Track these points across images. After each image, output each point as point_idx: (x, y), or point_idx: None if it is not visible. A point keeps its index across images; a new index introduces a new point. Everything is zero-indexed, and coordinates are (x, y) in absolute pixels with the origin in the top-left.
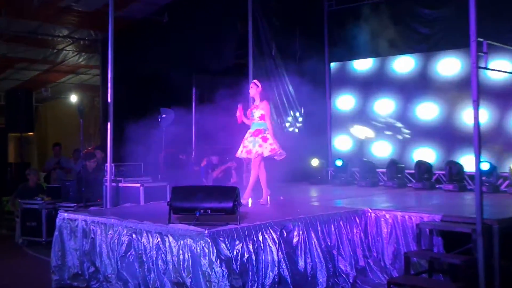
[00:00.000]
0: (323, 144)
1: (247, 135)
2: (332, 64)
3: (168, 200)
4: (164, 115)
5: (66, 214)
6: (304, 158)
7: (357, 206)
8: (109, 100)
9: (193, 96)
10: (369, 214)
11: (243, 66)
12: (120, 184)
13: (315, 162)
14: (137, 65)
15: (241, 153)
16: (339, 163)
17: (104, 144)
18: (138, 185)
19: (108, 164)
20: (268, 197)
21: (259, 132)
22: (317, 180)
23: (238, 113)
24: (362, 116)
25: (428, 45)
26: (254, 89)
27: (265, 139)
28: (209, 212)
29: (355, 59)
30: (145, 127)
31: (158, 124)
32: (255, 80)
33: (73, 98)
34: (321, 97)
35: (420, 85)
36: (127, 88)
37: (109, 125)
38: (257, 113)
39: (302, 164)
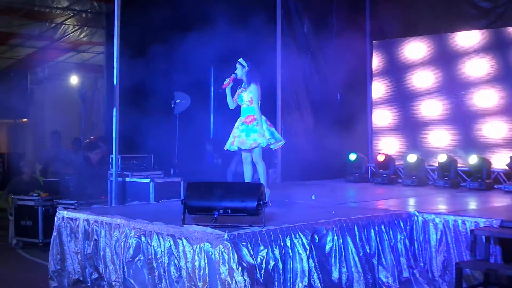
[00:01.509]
0: (362, 136)
1: (237, 123)
2: (375, 43)
3: (183, 198)
4: (178, 100)
5: (65, 212)
6: (340, 152)
7: (401, 208)
8: (115, 82)
9: (212, 76)
10: (415, 218)
11: (270, 44)
12: (127, 179)
13: (353, 156)
14: (147, 42)
15: (231, 144)
16: (381, 158)
17: (109, 133)
18: (147, 180)
19: (113, 156)
20: (268, 197)
21: (251, 118)
22: (355, 178)
23: (227, 81)
24: (410, 103)
25: (489, 20)
26: (240, 69)
27: (261, 125)
28: (229, 212)
29: (403, 36)
30: (157, 113)
31: (172, 110)
32: (240, 59)
33: (74, 80)
34: (361, 81)
35: (478, 68)
36: (136, 68)
37: (114, 111)
38: (246, 96)
39: (338, 159)
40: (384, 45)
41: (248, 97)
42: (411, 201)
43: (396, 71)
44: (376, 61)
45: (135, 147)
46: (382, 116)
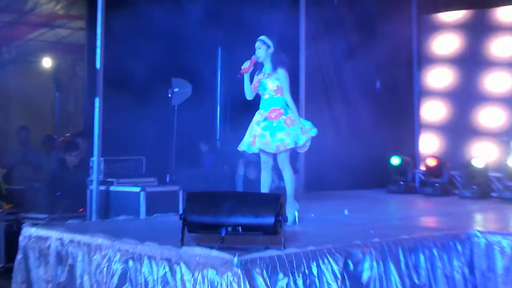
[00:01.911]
0: (407, 135)
1: (257, 117)
2: (425, 19)
3: (181, 211)
4: (176, 89)
5: (33, 229)
6: (380, 155)
7: (459, 227)
8: (97, 65)
9: (219, 60)
10: (476, 239)
11: (291, 18)
12: (111, 188)
13: (396, 161)
14: (140, 16)
15: (250, 145)
16: (432, 162)
17: (89, 129)
18: (137, 189)
19: (94, 159)
20: (297, 213)
21: (277, 112)
22: (400, 188)
23: (246, 64)
24: (465, 95)
25: None
26: (263, 49)
27: (291, 122)
28: (240, 230)
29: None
30: (150, 105)
31: (168, 101)
32: (262, 37)
33: (47, 62)
34: (406, 66)
35: None
36: (125, 49)
37: (97, 101)
38: (271, 84)
39: (377, 163)
40: (437, 21)
41: (274, 85)
42: (472, 218)
43: (454, 56)
44: (427, 42)
45: (122, 147)
46: (434, 111)
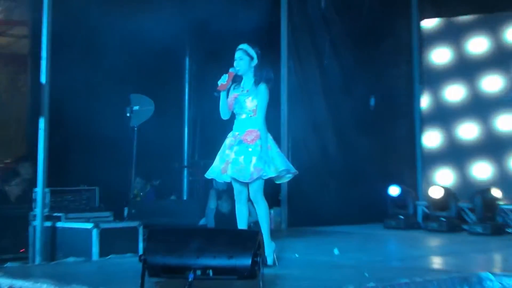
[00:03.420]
0: (408, 161)
1: (230, 140)
2: (426, 22)
3: (141, 252)
4: (136, 107)
5: None
6: (375, 184)
7: (469, 268)
8: (42, 79)
9: (186, 74)
10: (490, 283)
11: (271, 25)
12: (58, 224)
13: (394, 190)
14: (92, 22)
15: (221, 172)
16: (437, 193)
17: (32, 155)
18: (89, 225)
19: (38, 190)
20: (274, 254)
21: (254, 135)
22: (399, 223)
23: (224, 79)
24: (476, 111)
25: None
26: (245, 61)
27: (268, 147)
28: (210, 274)
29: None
30: (104, 125)
31: (127, 121)
32: (243, 46)
33: None
34: (405, 78)
35: None
36: (75, 60)
37: (42, 121)
38: (250, 103)
39: (372, 194)
40: (446, 28)
41: (253, 105)
42: (484, 258)
43: (464, 68)
44: (431, 52)
45: (71, 175)
46: (439, 133)
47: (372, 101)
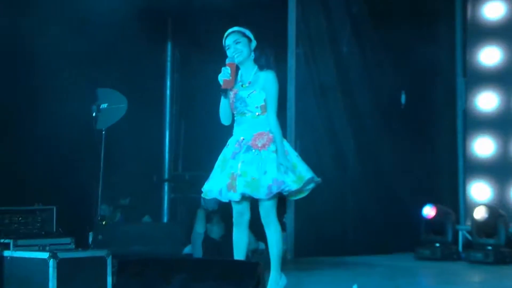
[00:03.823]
0: (447, 176)
1: (232, 147)
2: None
3: None
4: (104, 104)
5: None
6: (406, 205)
7: None
8: None
9: (168, 63)
10: None
11: (275, 1)
12: (5, 253)
13: (430, 212)
14: None
15: (229, 188)
16: (482, 215)
17: None
18: (45, 255)
19: None
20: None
21: (266, 138)
22: (435, 252)
23: (227, 73)
24: None
25: None
26: (243, 44)
27: (286, 152)
28: None
29: None
30: (64, 128)
31: (93, 122)
32: (239, 29)
33: None
34: (447, 75)
35: None
36: (19, 38)
37: None
38: (254, 98)
39: (402, 216)
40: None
41: (261, 99)
42: None
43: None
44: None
45: (22, 192)
46: (486, 143)
47: (403, 99)
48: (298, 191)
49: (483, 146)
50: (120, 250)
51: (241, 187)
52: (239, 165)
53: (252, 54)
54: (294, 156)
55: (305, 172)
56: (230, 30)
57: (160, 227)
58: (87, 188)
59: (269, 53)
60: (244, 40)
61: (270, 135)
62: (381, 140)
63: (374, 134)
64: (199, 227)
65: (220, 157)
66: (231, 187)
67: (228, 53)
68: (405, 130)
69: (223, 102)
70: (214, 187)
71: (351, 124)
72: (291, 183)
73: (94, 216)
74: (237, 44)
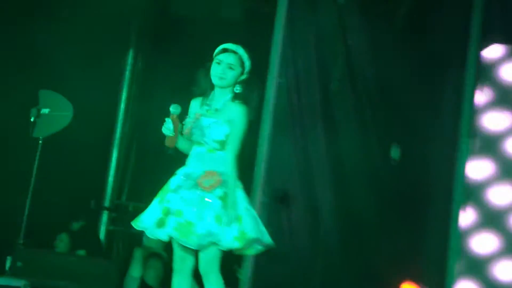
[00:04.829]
0: (437, 252)
1: (177, 180)
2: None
3: None
4: (46, 110)
5: None
6: (388, 280)
7: None
8: None
9: (127, 71)
10: None
11: (260, 14)
12: None
13: None
14: None
15: (159, 225)
16: None
17: None
18: None
19: None
20: None
21: (216, 180)
22: None
23: (170, 133)
24: None
25: None
26: (236, 71)
27: (227, 197)
28: None
29: None
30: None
31: (29, 128)
32: (237, 48)
33: None
34: (449, 126)
35: None
36: None
37: None
38: (215, 130)
39: None
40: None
41: (223, 132)
42: None
43: None
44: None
45: None
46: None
47: (396, 153)
48: (242, 249)
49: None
50: (41, 283)
51: (170, 228)
52: (177, 201)
53: (237, 86)
54: (242, 208)
55: (250, 230)
56: (231, 47)
57: (93, 263)
58: (11, 204)
59: (257, 85)
60: (239, 70)
61: (221, 177)
62: (365, 198)
63: (357, 189)
64: (134, 270)
65: (164, 187)
66: (161, 223)
67: (213, 67)
68: (395, 190)
69: (179, 144)
70: (145, 219)
71: (331, 174)
72: (231, 239)
73: (14, 238)
74: (229, 69)
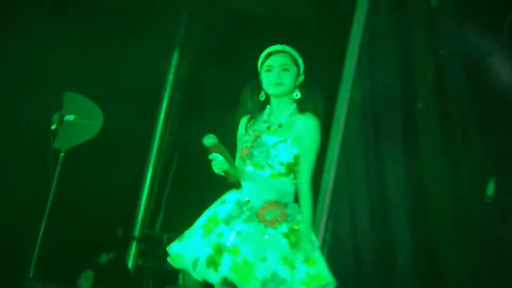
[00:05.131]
0: None
1: (229, 206)
2: None
3: None
4: (71, 116)
5: None
6: None
7: None
8: None
9: (170, 77)
10: None
11: (336, 16)
12: None
13: None
14: None
15: (207, 263)
16: None
17: None
18: None
19: None
20: None
21: (280, 212)
22: None
23: (221, 168)
24: None
25: None
26: (292, 72)
27: (292, 234)
28: None
29: None
30: (7, 144)
31: (51, 136)
32: (286, 48)
33: None
34: None
35: None
36: None
37: None
38: (282, 151)
39: None
40: None
41: (290, 156)
42: None
43: None
44: None
45: None
46: None
47: (491, 188)
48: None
49: None
50: None
51: (225, 268)
52: (233, 236)
53: (297, 91)
54: (316, 247)
55: (326, 273)
56: (277, 48)
57: None
58: (22, 227)
59: (319, 96)
60: (294, 69)
61: (286, 210)
62: (450, 241)
63: (441, 230)
64: None
65: (208, 214)
66: (212, 262)
67: (264, 77)
68: (488, 234)
69: (227, 170)
70: (187, 254)
71: (410, 209)
72: (297, 283)
73: (26, 267)
74: (284, 71)
